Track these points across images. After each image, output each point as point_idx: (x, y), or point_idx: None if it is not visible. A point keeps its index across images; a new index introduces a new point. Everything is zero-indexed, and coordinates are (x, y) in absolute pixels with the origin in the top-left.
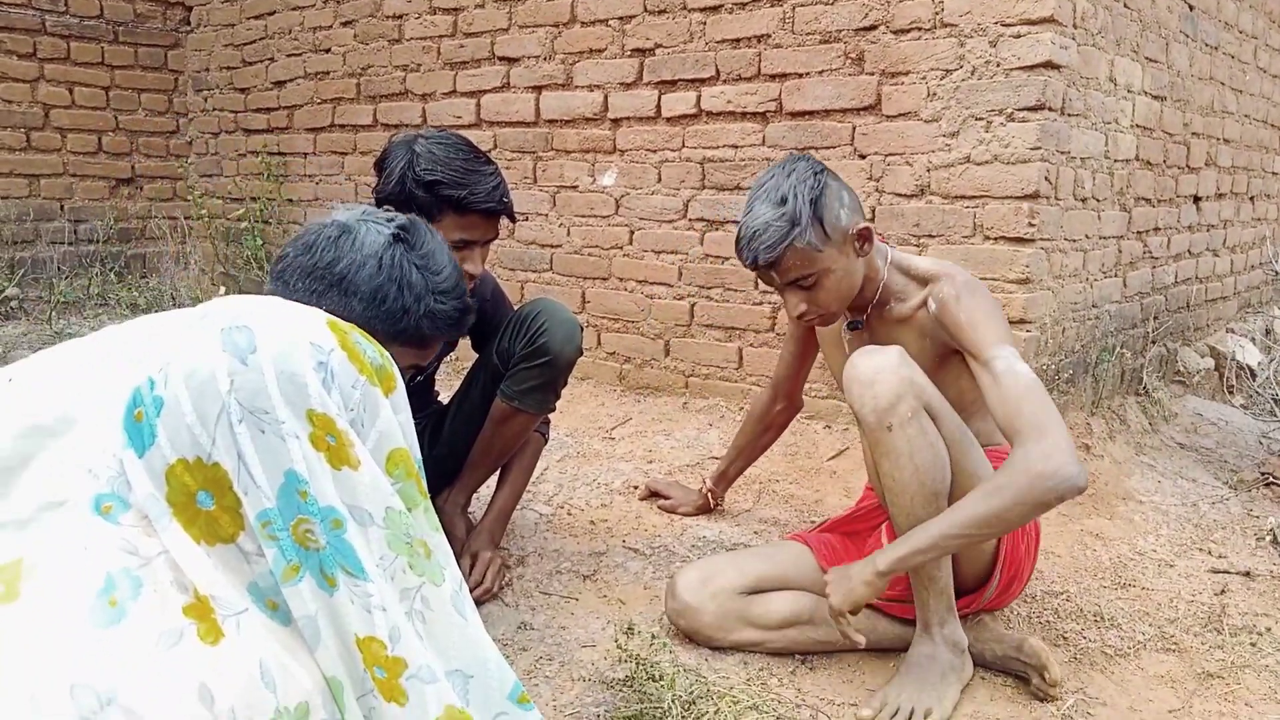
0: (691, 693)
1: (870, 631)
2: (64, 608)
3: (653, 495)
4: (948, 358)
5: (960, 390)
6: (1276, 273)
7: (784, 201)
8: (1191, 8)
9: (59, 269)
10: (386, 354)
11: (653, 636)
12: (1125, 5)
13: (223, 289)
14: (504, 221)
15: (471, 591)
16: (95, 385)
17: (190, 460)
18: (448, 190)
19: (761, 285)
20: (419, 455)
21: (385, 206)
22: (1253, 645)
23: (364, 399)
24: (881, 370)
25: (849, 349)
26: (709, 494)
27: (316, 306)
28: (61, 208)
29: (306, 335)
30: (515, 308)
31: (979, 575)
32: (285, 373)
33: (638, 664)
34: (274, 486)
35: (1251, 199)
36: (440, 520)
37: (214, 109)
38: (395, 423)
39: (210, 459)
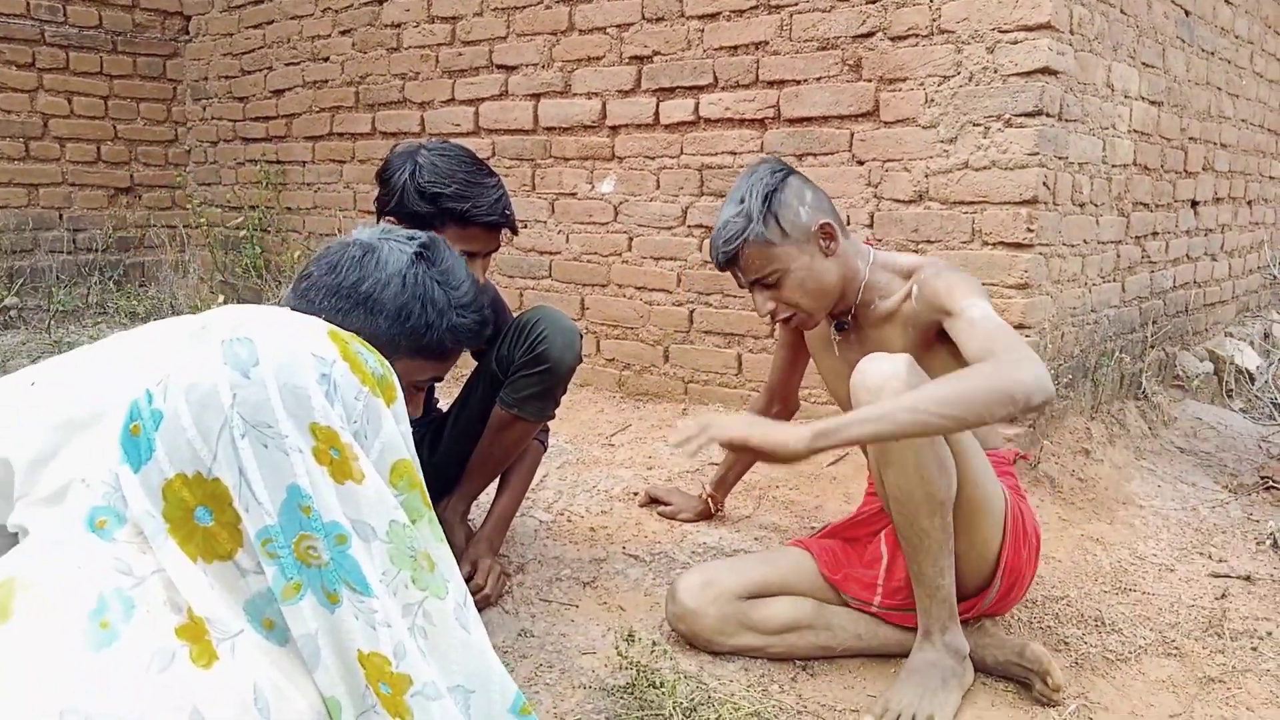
0: (693, 699)
1: (872, 637)
2: (55, 630)
3: (652, 502)
4: (932, 344)
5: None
6: (1274, 277)
7: (741, 201)
8: (1188, 13)
9: (58, 278)
10: (387, 363)
11: (653, 643)
12: (1122, 11)
13: (221, 297)
14: (505, 232)
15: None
16: (120, 382)
17: (189, 475)
18: (450, 203)
19: None
20: (418, 463)
21: (388, 218)
22: (1254, 650)
23: (367, 410)
24: (889, 378)
25: (838, 350)
26: (709, 500)
27: (343, 325)
28: (60, 217)
29: (309, 347)
30: (515, 315)
31: (979, 581)
32: (288, 385)
33: (638, 671)
34: (276, 502)
35: (1249, 203)
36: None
37: (212, 118)
38: (398, 433)
39: (210, 474)
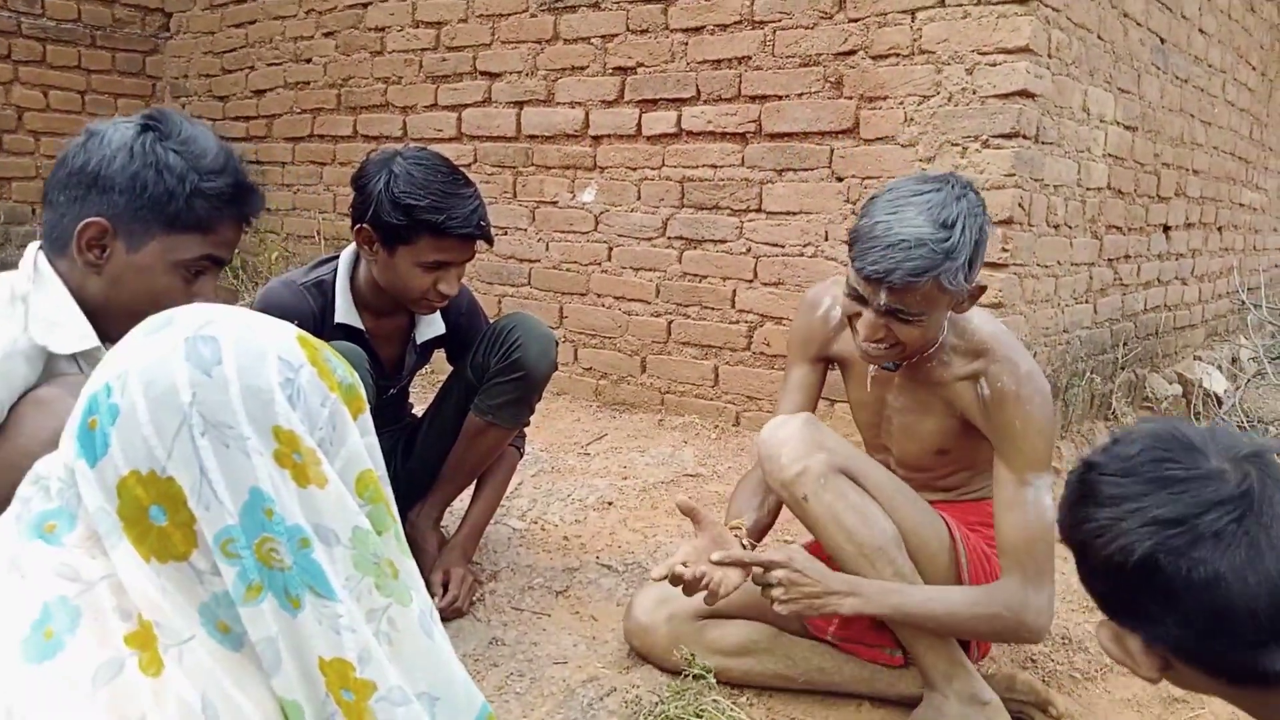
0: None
1: (836, 672)
2: None
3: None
4: (973, 431)
5: (974, 455)
6: (1243, 302)
7: (949, 226)
8: (1163, 41)
9: None
10: (355, 374)
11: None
12: (1099, 36)
13: None
14: (480, 242)
15: (443, 607)
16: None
17: (144, 473)
18: (425, 214)
19: (738, 304)
20: (386, 476)
21: (363, 225)
22: None
23: (332, 418)
24: (785, 442)
25: (870, 386)
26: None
27: (81, 213)
28: (33, 212)
29: (275, 350)
30: (491, 321)
31: None
32: (250, 387)
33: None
34: (238, 503)
35: (1219, 229)
36: (412, 535)
37: (192, 116)
38: (363, 445)
39: (165, 473)
